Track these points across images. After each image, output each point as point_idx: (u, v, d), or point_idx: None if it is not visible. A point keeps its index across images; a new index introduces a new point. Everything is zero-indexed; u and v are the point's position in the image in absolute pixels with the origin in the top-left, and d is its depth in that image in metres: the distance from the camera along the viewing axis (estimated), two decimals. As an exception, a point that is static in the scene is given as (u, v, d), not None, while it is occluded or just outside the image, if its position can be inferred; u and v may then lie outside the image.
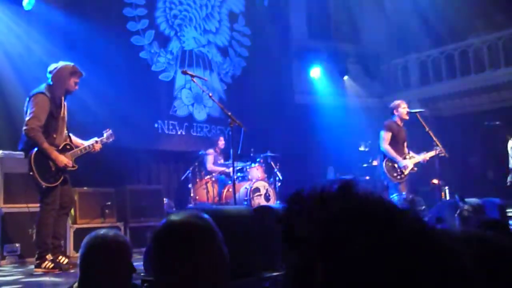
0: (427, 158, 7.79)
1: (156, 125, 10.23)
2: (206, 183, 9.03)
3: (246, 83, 11.55)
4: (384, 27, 14.41)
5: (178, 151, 10.39)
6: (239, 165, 9.04)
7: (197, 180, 9.17)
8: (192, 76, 6.63)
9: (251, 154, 9.53)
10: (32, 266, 5.50)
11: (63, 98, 5.73)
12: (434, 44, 13.98)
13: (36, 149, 5.40)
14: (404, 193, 7.32)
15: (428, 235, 0.72)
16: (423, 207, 6.94)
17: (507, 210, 7.58)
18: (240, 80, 11.66)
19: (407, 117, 7.81)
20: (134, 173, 9.67)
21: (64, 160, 5.53)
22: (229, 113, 6.27)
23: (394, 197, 7.17)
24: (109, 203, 7.80)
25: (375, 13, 14.41)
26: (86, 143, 5.95)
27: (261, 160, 9.42)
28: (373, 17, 14.45)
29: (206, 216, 1.73)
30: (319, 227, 0.73)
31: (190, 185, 9.17)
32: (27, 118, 5.42)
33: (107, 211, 7.74)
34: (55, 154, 5.47)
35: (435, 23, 13.49)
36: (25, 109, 5.56)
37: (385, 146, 7.59)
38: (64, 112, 5.74)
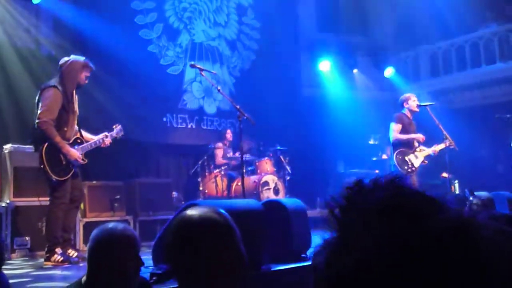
0: (437, 151, 7.75)
1: (165, 119, 10.23)
2: (215, 176, 9.03)
3: (255, 76, 11.52)
4: (393, 19, 14.32)
5: (187, 145, 10.40)
6: (248, 158, 9.04)
7: (206, 173, 9.18)
8: (200, 69, 6.62)
9: (261, 148, 9.52)
10: (42, 260, 5.53)
11: (74, 91, 5.74)
12: (444, 36, 13.87)
13: (47, 142, 5.41)
14: (414, 186, 7.28)
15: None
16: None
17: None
18: (249, 73, 11.62)
19: (417, 110, 7.78)
20: (143, 167, 9.68)
21: (75, 154, 5.54)
22: (238, 107, 6.25)
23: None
24: (118, 196, 7.83)
25: (384, 5, 14.31)
26: (96, 137, 5.97)
27: (271, 154, 9.41)
28: (382, 9, 14.35)
29: (224, 212, 1.72)
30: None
31: (199, 179, 9.18)
32: (39, 111, 5.43)
33: (116, 204, 7.77)
34: (66, 148, 5.49)
35: (445, 15, 13.37)
36: (36, 102, 5.57)
37: (395, 135, 7.57)
38: (75, 105, 5.76)
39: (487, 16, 13.61)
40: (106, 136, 5.98)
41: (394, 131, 7.61)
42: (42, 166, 5.41)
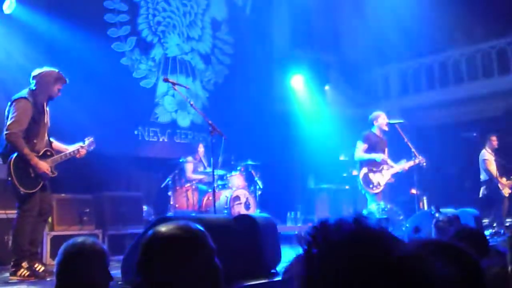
0: (406, 168, 7.88)
1: (136, 132, 10.19)
2: (187, 190, 8.99)
3: (229, 91, 11.57)
4: (365, 37, 14.56)
5: (158, 158, 10.34)
6: (219, 172, 9.04)
7: (177, 187, 9.13)
8: (173, 84, 6.62)
9: (232, 162, 9.53)
10: (7, 274, 5.41)
11: (45, 103, 5.66)
12: (414, 55, 14.16)
13: (15, 154, 5.32)
14: (381, 203, 7.38)
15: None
16: (401, 216, 7.00)
17: (483, 221, 7.69)
18: (223, 87, 11.67)
19: (386, 128, 7.91)
20: (113, 180, 9.58)
21: (44, 166, 5.45)
22: (210, 121, 6.28)
23: (373, 207, 7.22)
24: (87, 210, 7.73)
25: (356, 23, 14.55)
26: (71, 148, 5.90)
27: (242, 168, 9.42)
28: (354, 27, 14.58)
29: (196, 227, 1.70)
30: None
31: (170, 193, 9.13)
32: (8, 123, 5.33)
33: (85, 218, 7.67)
34: (35, 160, 5.38)
35: (415, 35, 13.67)
36: (6, 113, 5.47)
37: (360, 154, 7.69)
38: (47, 118, 5.68)
39: (456, 37, 13.96)
40: (82, 147, 5.92)
41: (359, 149, 7.74)
42: (9, 178, 5.31)
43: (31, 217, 5.41)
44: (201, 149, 9.71)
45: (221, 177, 9.20)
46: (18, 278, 5.20)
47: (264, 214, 5.65)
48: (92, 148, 6.07)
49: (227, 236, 4.17)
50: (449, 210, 6.24)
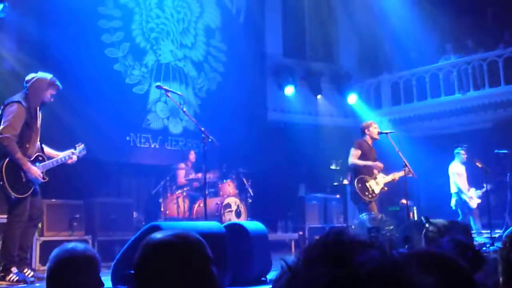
0: (396, 178, 7.91)
1: (128, 138, 10.17)
2: (177, 197, 8.98)
3: (221, 98, 11.58)
4: (357, 47, 14.66)
5: (149, 165, 10.33)
6: (210, 180, 9.04)
7: (168, 194, 9.12)
8: (166, 90, 6.63)
9: (223, 170, 9.53)
10: (-4, 279, 5.37)
11: (38, 108, 5.66)
12: (405, 66, 14.25)
13: (7, 158, 5.30)
14: (373, 212, 7.40)
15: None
16: (391, 226, 7.02)
17: (473, 231, 7.73)
18: (215, 95, 11.68)
19: (377, 137, 7.94)
20: (104, 186, 9.56)
21: (35, 171, 5.44)
22: (202, 128, 6.28)
23: (363, 216, 7.23)
24: (77, 215, 7.71)
25: (349, 33, 14.65)
26: (62, 154, 5.88)
27: (233, 176, 9.43)
28: (347, 38, 14.68)
29: (194, 235, 1.71)
30: None
31: (160, 200, 9.11)
32: (1, 127, 5.31)
33: (75, 223, 7.64)
34: (27, 165, 5.37)
35: (407, 46, 13.77)
36: None
37: (353, 160, 7.71)
38: (38, 122, 5.68)
39: (448, 48, 14.07)
40: (73, 153, 5.91)
41: (353, 156, 7.75)
42: (1, 183, 5.28)
43: (21, 222, 5.39)
44: (192, 155, 9.71)
45: (213, 185, 9.20)
46: (7, 283, 5.17)
47: (255, 222, 5.66)
48: (83, 154, 6.07)
49: (218, 245, 4.17)
50: (439, 221, 6.27)
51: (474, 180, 9.85)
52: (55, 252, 2.38)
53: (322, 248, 0.85)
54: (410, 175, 7.84)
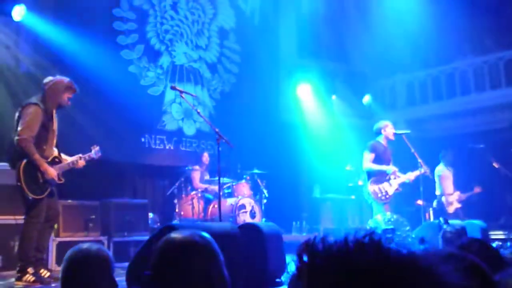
0: (412, 178, 7.85)
1: (143, 139, 10.21)
2: (192, 198, 9.00)
3: (235, 99, 11.60)
4: (372, 47, 14.58)
5: (164, 166, 10.36)
6: (225, 181, 9.04)
7: (183, 195, 9.14)
8: (180, 92, 6.64)
9: (238, 171, 9.54)
10: (13, 279, 5.42)
11: (54, 111, 5.71)
12: (421, 66, 14.15)
13: (25, 160, 5.35)
14: (388, 213, 7.34)
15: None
16: (407, 227, 6.97)
17: (490, 232, 7.66)
18: (229, 96, 11.70)
19: (393, 138, 7.88)
20: (119, 187, 9.60)
21: (52, 172, 5.49)
22: (217, 130, 6.28)
23: (378, 217, 7.19)
24: (93, 216, 7.75)
25: (363, 33, 14.57)
26: (70, 159, 5.92)
27: (248, 177, 9.43)
28: (361, 37, 14.60)
29: (209, 237, 1.72)
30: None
31: (175, 201, 9.13)
32: (19, 128, 5.37)
33: (91, 224, 7.68)
34: (44, 166, 5.43)
35: (422, 45, 13.67)
36: (16, 119, 5.52)
37: (368, 164, 7.65)
38: (55, 125, 5.73)
39: (463, 48, 13.95)
40: (80, 158, 5.93)
41: (367, 160, 7.69)
42: (18, 184, 5.33)
43: (38, 224, 5.44)
44: (205, 157, 9.71)
45: (227, 186, 9.21)
46: (24, 283, 5.21)
47: (270, 223, 5.65)
48: (98, 156, 6.10)
49: (233, 245, 4.16)
50: (456, 222, 6.22)
51: (462, 184, 9.75)
52: (69, 253, 2.40)
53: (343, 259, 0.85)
54: (426, 174, 7.78)
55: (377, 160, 7.68)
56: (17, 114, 5.54)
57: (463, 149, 10.46)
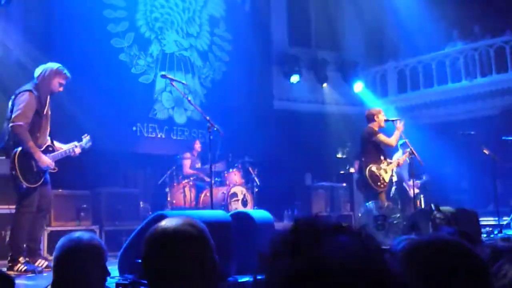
0: (401, 163, 7.93)
1: (134, 128, 10.17)
2: (184, 187, 8.99)
3: (226, 87, 11.56)
4: (363, 35, 14.57)
5: (156, 154, 10.34)
6: (217, 169, 9.03)
7: (174, 184, 9.13)
8: (171, 80, 6.62)
9: (229, 159, 9.53)
10: (4, 269, 5.41)
11: (48, 97, 5.70)
12: (412, 53, 14.17)
13: (19, 148, 5.33)
14: (381, 201, 7.37)
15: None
16: (398, 215, 7.02)
17: (480, 219, 7.72)
18: (220, 84, 11.66)
19: (384, 125, 7.89)
20: (111, 176, 9.56)
21: (47, 161, 5.48)
22: (208, 118, 6.28)
23: (370, 204, 7.22)
24: (84, 205, 7.75)
25: (354, 21, 14.56)
26: (65, 147, 5.90)
27: (239, 165, 9.42)
28: (352, 25, 14.59)
29: (200, 223, 1.72)
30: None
31: (167, 189, 9.13)
32: (14, 115, 5.35)
33: (82, 213, 7.69)
34: (38, 154, 5.42)
35: (413, 32, 13.66)
36: (9, 107, 5.49)
37: (391, 140, 7.71)
38: (48, 111, 5.72)
39: (454, 35, 13.97)
40: (76, 146, 5.93)
41: (387, 138, 7.72)
42: (13, 172, 5.31)
43: (30, 214, 5.43)
44: (197, 145, 9.71)
45: (219, 174, 9.21)
46: (15, 273, 5.21)
47: (261, 211, 5.66)
48: (89, 145, 6.08)
49: (224, 233, 4.18)
50: (447, 208, 6.26)
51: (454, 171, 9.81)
52: (61, 241, 2.40)
53: (289, 238, 0.82)
54: (412, 156, 7.82)
55: (377, 146, 7.70)
56: (10, 102, 5.52)
57: (454, 136, 10.52)
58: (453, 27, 13.92)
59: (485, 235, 7.64)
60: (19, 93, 5.49)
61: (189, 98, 6.76)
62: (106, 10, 9.99)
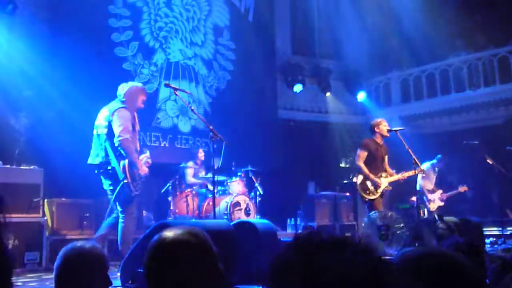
0: (405, 177, 7.86)
1: (138, 137, 10.16)
2: (186, 196, 8.97)
3: (230, 96, 11.58)
4: (366, 44, 14.58)
5: (159, 163, 10.30)
6: (220, 178, 9.01)
7: (177, 193, 9.11)
8: (175, 89, 6.63)
9: (233, 168, 9.51)
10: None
11: (135, 113, 6.15)
12: (415, 63, 14.17)
13: (127, 159, 5.74)
14: (381, 210, 7.33)
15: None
16: (401, 224, 6.98)
17: (484, 229, 7.68)
18: (225, 93, 11.68)
19: (387, 135, 7.85)
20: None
21: (146, 169, 6.02)
22: (211, 127, 6.28)
23: (373, 214, 7.19)
24: (87, 214, 7.73)
25: (357, 30, 14.58)
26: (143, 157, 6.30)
27: (242, 174, 9.40)
28: (356, 35, 14.61)
29: (201, 233, 1.71)
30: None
31: (170, 198, 9.11)
32: (119, 130, 5.73)
33: (85, 222, 7.68)
34: (140, 163, 5.96)
35: (416, 42, 13.68)
36: (105, 123, 5.85)
37: (360, 163, 7.61)
38: (137, 126, 6.19)
39: (458, 45, 13.98)
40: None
41: (360, 157, 7.65)
42: (126, 181, 5.71)
43: (134, 219, 6.04)
44: (201, 154, 9.69)
45: (222, 183, 9.18)
46: None
47: (264, 221, 5.65)
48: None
49: (227, 243, 4.16)
50: (450, 219, 6.23)
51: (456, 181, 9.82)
52: (63, 250, 2.39)
53: (290, 253, 0.83)
54: (421, 174, 7.78)
55: (370, 158, 7.65)
56: (105, 118, 5.87)
57: (458, 145, 10.49)
58: (456, 37, 13.93)
59: (488, 246, 7.60)
60: (116, 109, 5.87)
61: (193, 107, 6.75)
62: (111, 19, 10.03)
